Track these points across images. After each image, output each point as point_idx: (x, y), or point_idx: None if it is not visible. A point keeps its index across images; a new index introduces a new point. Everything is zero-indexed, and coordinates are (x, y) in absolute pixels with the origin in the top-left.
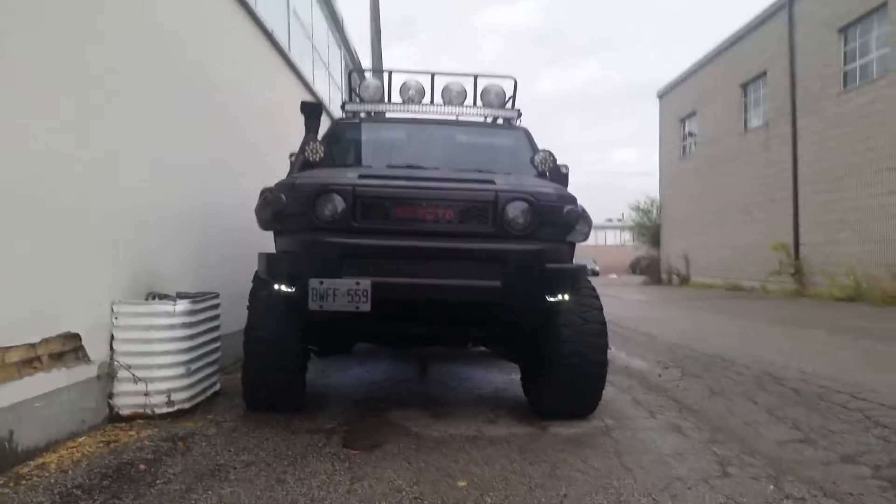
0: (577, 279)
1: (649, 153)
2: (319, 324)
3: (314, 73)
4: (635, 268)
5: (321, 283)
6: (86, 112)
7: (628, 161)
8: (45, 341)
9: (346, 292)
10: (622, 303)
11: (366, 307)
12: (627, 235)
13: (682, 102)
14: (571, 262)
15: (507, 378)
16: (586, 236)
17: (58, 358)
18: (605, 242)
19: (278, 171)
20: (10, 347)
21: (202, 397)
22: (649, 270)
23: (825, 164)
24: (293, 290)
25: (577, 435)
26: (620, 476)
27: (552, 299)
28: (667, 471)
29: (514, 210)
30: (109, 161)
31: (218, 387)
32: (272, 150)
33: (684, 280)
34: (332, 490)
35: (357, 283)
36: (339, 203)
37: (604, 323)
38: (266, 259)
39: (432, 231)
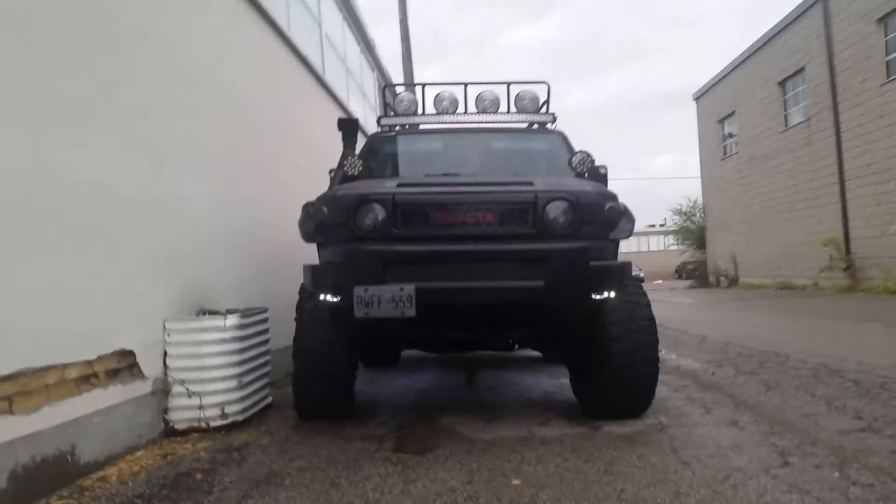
0: (623, 276)
1: (686, 159)
2: (366, 332)
3: (349, 95)
4: (681, 273)
5: (366, 290)
6: (140, 142)
7: (665, 168)
8: (101, 358)
9: (391, 298)
10: (670, 306)
11: (410, 312)
12: (671, 240)
13: (719, 103)
14: (616, 259)
15: (555, 382)
16: (630, 233)
17: (114, 374)
18: (648, 248)
19: (319, 187)
20: (69, 364)
21: (255, 410)
22: (696, 274)
23: (871, 157)
24: (338, 299)
25: (630, 433)
26: (678, 470)
27: (597, 297)
28: (725, 463)
29: (555, 210)
30: (162, 182)
31: (270, 399)
32: (313, 169)
33: (733, 282)
34: (386, 492)
35: (401, 289)
36: (379, 212)
37: (652, 319)
38: (311, 270)
39: (473, 235)
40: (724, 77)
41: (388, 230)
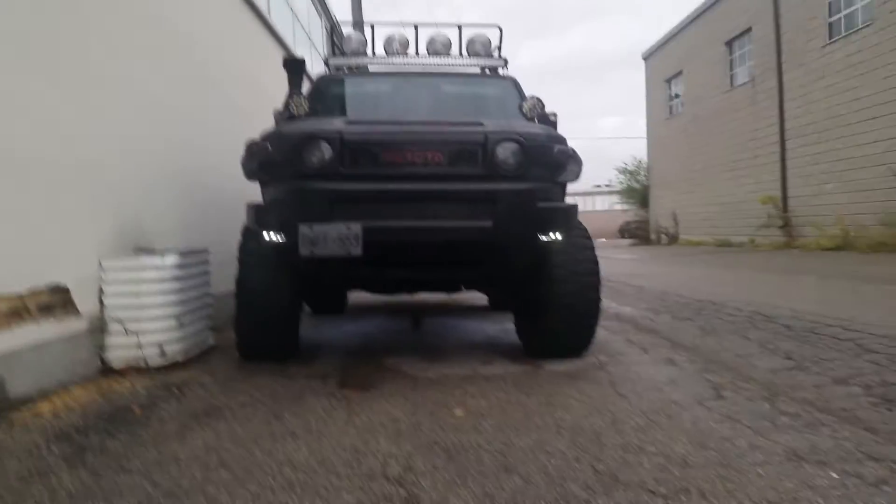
0: (569, 218)
1: (635, 120)
2: (311, 272)
3: (295, 40)
4: (624, 232)
5: (311, 228)
6: (70, 69)
7: (614, 129)
8: (33, 292)
9: (337, 237)
10: (612, 261)
11: (357, 251)
12: (616, 200)
13: (667, 63)
14: (563, 202)
15: (500, 328)
16: (578, 176)
17: (47, 310)
18: (593, 208)
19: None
20: None
21: (196, 351)
22: (637, 232)
23: (811, 117)
24: (283, 237)
25: (571, 370)
26: (615, 401)
27: (545, 238)
28: (661, 396)
29: (504, 151)
30: (95, 115)
31: (212, 342)
32: (257, 115)
33: (673, 239)
34: (330, 423)
35: (348, 228)
36: (326, 150)
37: (596, 262)
38: (254, 209)
39: (422, 174)
40: (673, 36)
41: (334, 168)
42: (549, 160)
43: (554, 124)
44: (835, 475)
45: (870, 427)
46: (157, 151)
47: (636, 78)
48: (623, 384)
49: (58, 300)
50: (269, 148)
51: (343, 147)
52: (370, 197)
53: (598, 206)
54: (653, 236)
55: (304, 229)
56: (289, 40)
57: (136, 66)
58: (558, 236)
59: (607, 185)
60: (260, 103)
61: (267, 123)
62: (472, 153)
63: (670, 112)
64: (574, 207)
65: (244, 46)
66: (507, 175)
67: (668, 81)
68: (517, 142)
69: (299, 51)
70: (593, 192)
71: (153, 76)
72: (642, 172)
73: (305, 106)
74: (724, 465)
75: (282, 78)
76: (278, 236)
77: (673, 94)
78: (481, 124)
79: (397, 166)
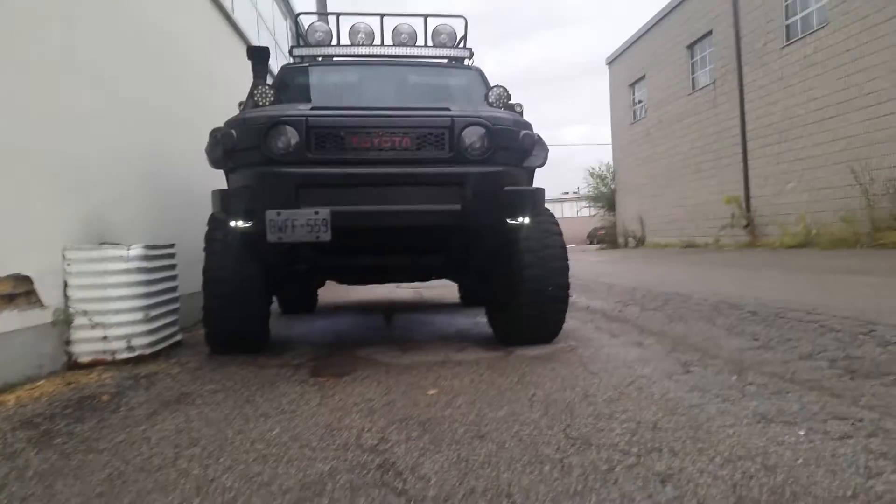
0: (536, 202)
1: (599, 129)
2: (279, 260)
3: (260, 39)
4: (593, 238)
5: (279, 214)
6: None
7: (579, 137)
8: None
9: (306, 223)
10: (581, 264)
11: (326, 237)
12: (585, 208)
13: (630, 68)
14: (528, 183)
15: (472, 321)
16: (544, 161)
17: (9, 300)
18: (562, 214)
19: None
20: None
21: (163, 345)
22: (605, 237)
23: (771, 118)
24: (250, 224)
25: (543, 354)
26: (586, 378)
27: (512, 222)
28: (631, 372)
29: (471, 135)
30: (61, 107)
31: (179, 337)
32: (222, 113)
33: (640, 241)
34: (302, 405)
35: (316, 213)
36: (292, 135)
37: (564, 247)
38: (220, 196)
39: (389, 159)
40: (635, 41)
41: (301, 154)
42: (516, 144)
43: (520, 114)
44: (801, 433)
45: (835, 393)
46: (124, 146)
47: (599, 87)
48: (594, 364)
49: (20, 290)
50: (234, 135)
51: (309, 132)
52: (337, 181)
53: (567, 213)
54: (620, 240)
55: (271, 215)
56: (253, 40)
57: (104, 60)
58: (525, 220)
59: (575, 192)
60: (224, 102)
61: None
62: (439, 137)
63: (634, 117)
64: (541, 192)
65: (209, 44)
66: (474, 159)
67: (632, 86)
68: (483, 126)
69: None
70: (561, 199)
71: (121, 70)
72: (610, 177)
73: (270, 95)
74: (693, 427)
75: (247, 76)
76: (245, 223)
77: (637, 99)
78: (448, 109)
79: (364, 151)
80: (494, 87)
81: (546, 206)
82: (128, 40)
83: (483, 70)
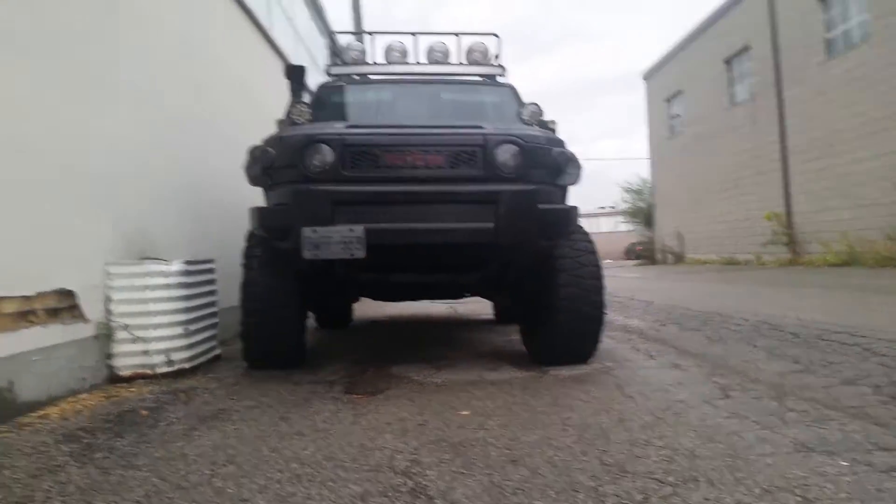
0: (571, 220)
1: (631, 142)
2: (314, 276)
3: (296, 55)
4: (630, 253)
5: (315, 231)
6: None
7: (612, 151)
8: (41, 295)
9: (341, 239)
10: (618, 281)
11: (360, 253)
12: (622, 223)
13: (667, 83)
14: (562, 201)
15: (505, 339)
16: (577, 179)
17: (54, 314)
18: (598, 230)
19: None
20: (4, 298)
21: (202, 359)
22: (643, 253)
23: (812, 133)
24: (287, 241)
25: (577, 375)
26: (622, 402)
27: (546, 240)
28: (668, 396)
29: (504, 153)
30: (107, 124)
31: (218, 351)
32: (260, 132)
33: (678, 258)
34: (336, 423)
35: (351, 230)
36: (328, 153)
37: (599, 265)
38: (258, 213)
39: (423, 177)
40: (672, 56)
41: (336, 172)
42: (549, 162)
43: (553, 131)
44: (844, 463)
45: (879, 422)
46: (165, 162)
47: (629, 101)
48: (629, 386)
49: (65, 305)
50: (272, 152)
51: (344, 150)
52: (372, 199)
53: (604, 228)
54: (658, 255)
55: (307, 232)
56: (291, 57)
57: (144, 77)
58: (559, 238)
59: (611, 207)
60: (264, 119)
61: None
62: (472, 155)
63: (671, 131)
64: (575, 209)
65: (249, 62)
66: (508, 177)
67: (669, 101)
68: (516, 144)
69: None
70: (598, 214)
71: (163, 88)
72: (647, 191)
73: (308, 113)
74: (732, 456)
75: (284, 94)
76: (282, 240)
77: (673, 114)
78: (481, 127)
79: (398, 169)
80: (528, 104)
81: (582, 221)
82: (171, 60)
83: (516, 87)
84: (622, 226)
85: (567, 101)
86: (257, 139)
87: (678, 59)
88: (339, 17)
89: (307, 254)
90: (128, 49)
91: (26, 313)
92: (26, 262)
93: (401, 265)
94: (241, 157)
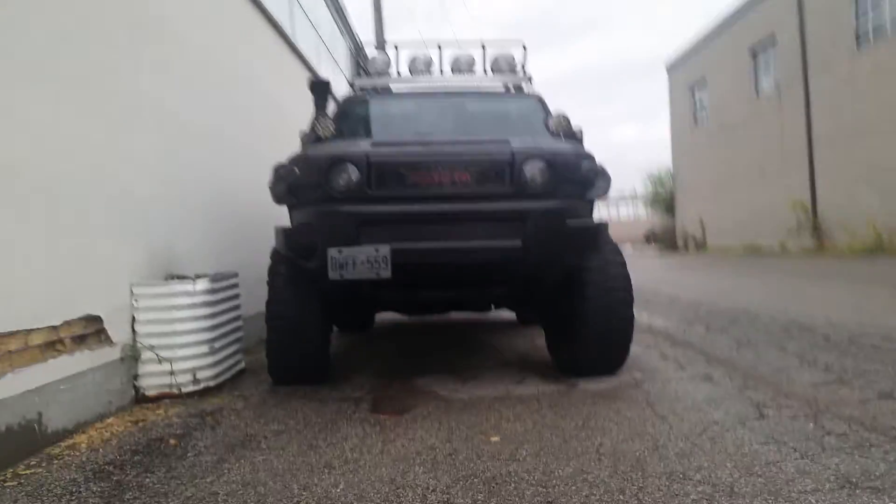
0: (599, 236)
1: (649, 128)
2: (340, 295)
3: (319, 61)
4: (649, 238)
5: (340, 252)
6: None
7: (630, 137)
8: (67, 324)
9: (366, 260)
10: (641, 270)
11: (386, 273)
12: (641, 208)
13: (691, 72)
14: (592, 219)
15: (529, 344)
16: (606, 192)
17: (80, 341)
18: (617, 215)
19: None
20: (32, 330)
21: (228, 375)
22: (664, 238)
23: (839, 122)
24: (312, 261)
25: (606, 389)
26: (655, 423)
27: (574, 257)
28: (702, 416)
29: (532, 169)
30: (122, 139)
31: (242, 365)
32: (283, 136)
33: (700, 245)
34: (365, 451)
35: (376, 250)
36: (353, 172)
37: (628, 278)
38: (283, 233)
39: (449, 195)
40: (696, 46)
41: (362, 191)
42: (578, 177)
43: (580, 140)
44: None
45: None
46: (188, 177)
47: (647, 87)
48: (661, 403)
49: (91, 330)
50: (297, 171)
51: (370, 169)
52: (398, 218)
53: (622, 214)
54: (680, 243)
55: (332, 253)
56: (314, 62)
57: (164, 90)
58: (588, 254)
59: (631, 193)
60: (286, 124)
61: (292, 145)
62: (500, 172)
63: (695, 120)
64: (604, 225)
65: (270, 69)
66: (536, 193)
67: (692, 90)
68: (545, 159)
69: (323, 72)
70: (617, 199)
71: (181, 96)
72: (668, 179)
73: (331, 128)
74: (773, 493)
75: (306, 100)
76: (307, 260)
77: (698, 102)
78: (508, 142)
79: (424, 187)
80: (555, 114)
81: (602, 206)
82: (194, 74)
83: (542, 96)
84: (642, 211)
85: (587, 86)
86: (282, 148)
87: (703, 50)
88: (360, 12)
89: (332, 274)
90: (150, 65)
91: (53, 343)
92: (54, 289)
93: (427, 282)
94: (266, 166)
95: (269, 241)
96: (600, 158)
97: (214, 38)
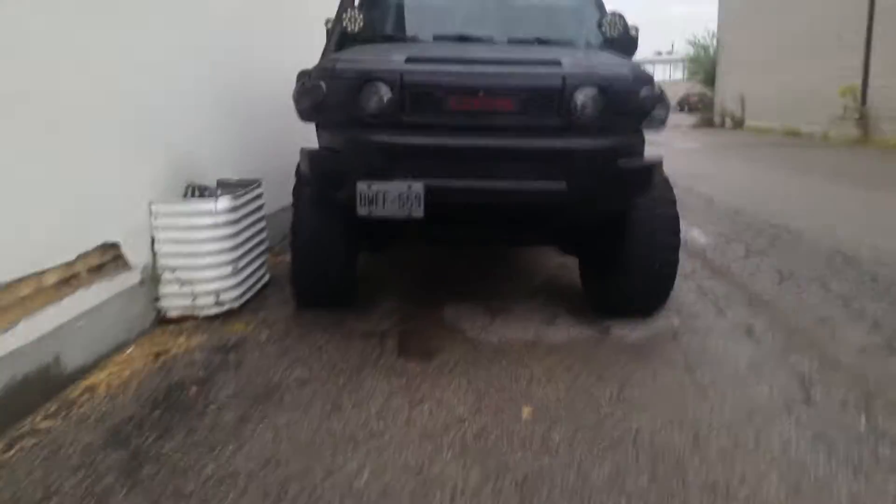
0: (652, 177)
1: None
2: (367, 227)
3: None
4: (683, 105)
5: (370, 186)
6: None
7: None
8: (83, 256)
9: (398, 196)
10: (673, 151)
11: (418, 213)
12: (677, 72)
13: None
14: (644, 155)
15: (560, 261)
16: (663, 124)
17: (98, 270)
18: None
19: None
20: (45, 271)
21: (252, 293)
22: (699, 108)
23: None
24: (339, 192)
25: (641, 341)
26: (695, 402)
27: (624, 201)
28: (744, 394)
29: (584, 97)
30: (135, 41)
31: (267, 278)
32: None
33: (738, 124)
34: (390, 421)
35: (409, 187)
36: (385, 92)
37: (677, 219)
38: (308, 158)
39: (490, 126)
40: None
41: (395, 115)
42: (634, 106)
43: (635, 42)
44: None
45: None
46: (206, 74)
47: None
48: (701, 369)
49: (108, 258)
50: (323, 87)
51: (403, 91)
52: (433, 152)
53: (658, 75)
54: (717, 118)
55: (361, 187)
56: None
57: None
58: (639, 197)
59: (669, 53)
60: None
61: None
62: (548, 100)
63: None
64: (658, 163)
65: None
66: (585, 127)
67: None
68: (599, 86)
69: None
70: (654, 61)
71: None
72: (712, 48)
73: (360, 21)
74: None
75: None
76: (334, 190)
77: None
78: (559, 63)
79: (463, 115)
80: (610, 14)
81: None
82: None
83: None
84: (677, 73)
85: None
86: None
87: None
88: None
89: (361, 210)
90: None
91: (69, 279)
92: (68, 221)
93: (461, 222)
94: (288, 57)
95: (299, 129)
96: (642, 11)
97: None
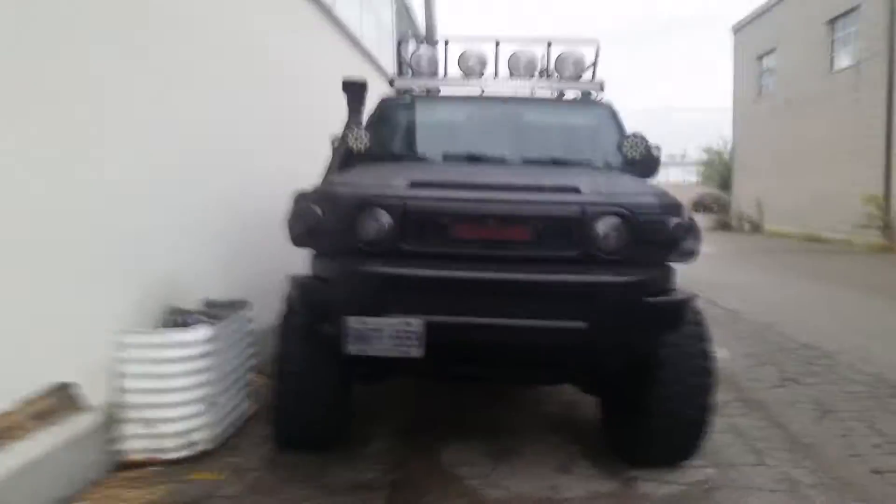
0: (683, 315)
1: (695, 88)
2: (361, 363)
3: (362, 25)
4: (699, 207)
5: (363, 322)
6: None
7: (675, 95)
8: (26, 402)
9: (394, 335)
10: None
11: (417, 353)
12: (690, 174)
13: (759, 39)
14: (674, 290)
15: (571, 400)
16: (695, 255)
17: (44, 417)
18: (667, 180)
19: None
20: None
21: (231, 430)
22: (714, 211)
23: None
24: (328, 326)
25: (672, 498)
26: None
27: (651, 340)
28: None
29: (606, 227)
30: (109, 174)
31: (249, 412)
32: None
33: (756, 228)
34: None
35: (407, 324)
36: (385, 219)
37: (709, 357)
38: (297, 285)
39: (501, 256)
40: (766, 10)
41: (394, 244)
42: (663, 238)
43: (657, 162)
44: None
45: None
46: (186, 187)
47: (691, 43)
48: None
49: (60, 401)
50: (319, 212)
51: (405, 217)
52: (436, 285)
53: (672, 178)
54: (734, 222)
55: (353, 323)
56: (355, 30)
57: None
58: (668, 335)
59: (682, 157)
60: (317, 97)
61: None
62: (566, 230)
63: (760, 92)
64: (691, 299)
65: (302, 38)
66: (608, 260)
67: (760, 58)
68: (622, 216)
69: (366, 32)
70: (667, 164)
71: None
72: (726, 153)
73: (366, 139)
74: None
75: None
76: (323, 324)
77: (764, 73)
78: (577, 190)
79: (470, 244)
80: (630, 136)
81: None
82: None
83: (614, 107)
84: (691, 175)
85: (631, 36)
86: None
87: (773, 15)
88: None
89: (352, 347)
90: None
91: (5, 430)
92: (7, 358)
93: (464, 362)
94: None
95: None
96: (653, 115)
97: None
